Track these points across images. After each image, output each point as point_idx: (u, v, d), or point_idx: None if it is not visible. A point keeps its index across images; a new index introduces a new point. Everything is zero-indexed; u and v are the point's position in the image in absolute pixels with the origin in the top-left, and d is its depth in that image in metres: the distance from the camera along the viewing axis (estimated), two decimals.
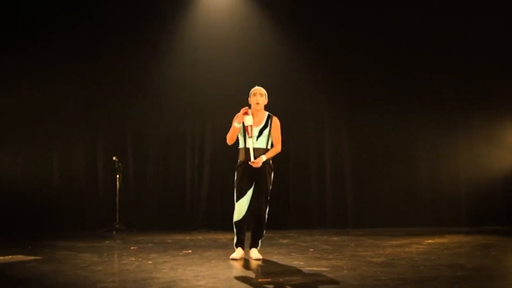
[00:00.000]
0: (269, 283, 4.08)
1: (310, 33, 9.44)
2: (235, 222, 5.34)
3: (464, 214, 9.01)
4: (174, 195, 9.28)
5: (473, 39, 9.02)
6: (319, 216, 9.19)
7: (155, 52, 9.38)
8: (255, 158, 5.17)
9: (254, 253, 5.33)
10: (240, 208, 5.27)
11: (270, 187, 5.35)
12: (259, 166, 5.17)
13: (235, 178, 5.34)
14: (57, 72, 9.22)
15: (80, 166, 9.19)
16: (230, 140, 5.36)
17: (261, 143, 5.29)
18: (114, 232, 8.50)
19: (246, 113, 5.23)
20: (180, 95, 9.33)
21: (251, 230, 5.40)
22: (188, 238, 7.60)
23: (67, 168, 9.17)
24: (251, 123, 5.22)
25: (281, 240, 7.05)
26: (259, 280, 4.24)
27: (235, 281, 4.18)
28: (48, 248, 6.31)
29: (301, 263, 5.01)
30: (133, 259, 5.32)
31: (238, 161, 5.34)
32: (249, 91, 5.47)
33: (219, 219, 8.94)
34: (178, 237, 7.72)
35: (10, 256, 5.59)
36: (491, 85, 9.19)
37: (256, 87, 5.43)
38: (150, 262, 5.13)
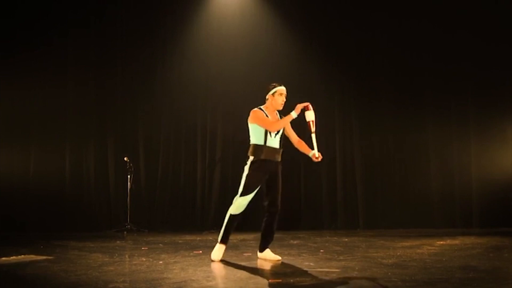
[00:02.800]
0: (279, 284, 4.07)
1: (322, 34, 9.48)
2: (232, 214, 5.27)
3: (476, 216, 8.94)
4: (185, 196, 9.30)
5: (486, 43, 8.99)
6: (330, 217, 9.17)
7: (167, 52, 9.43)
8: (317, 154, 5.20)
9: (271, 254, 5.30)
10: (243, 203, 5.21)
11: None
12: (319, 161, 5.23)
13: (247, 173, 5.20)
14: (69, 71, 9.30)
15: (91, 166, 9.23)
16: (275, 128, 5.21)
17: (277, 143, 5.24)
18: (125, 232, 8.52)
19: (307, 109, 5.16)
20: (191, 95, 9.36)
21: (265, 230, 5.29)
22: (198, 238, 7.61)
23: (79, 168, 9.22)
24: (313, 119, 5.18)
25: (291, 241, 7.04)
26: (270, 280, 4.23)
27: (246, 281, 4.17)
28: (60, 248, 6.35)
29: (311, 264, 5.00)
30: (144, 260, 5.33)
31: (252, 158, 5.20)
32: (271, 87, 5.30)
33: None
34: (189, 237, 7.73)
35: (22, 256, 5.63)
36: (503, 88, 9.14)
37: (283, 87, 5.32)
38: (161, 262, 5.14)
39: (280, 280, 4.19)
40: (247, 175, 5.21)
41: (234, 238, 7.53)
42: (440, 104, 9.27)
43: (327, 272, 4.51)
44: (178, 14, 9.45)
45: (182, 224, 9.08)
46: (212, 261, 5.23)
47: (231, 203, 9.27)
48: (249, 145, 5.29)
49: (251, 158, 5.22)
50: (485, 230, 8.35)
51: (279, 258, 5.26)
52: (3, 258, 5.45)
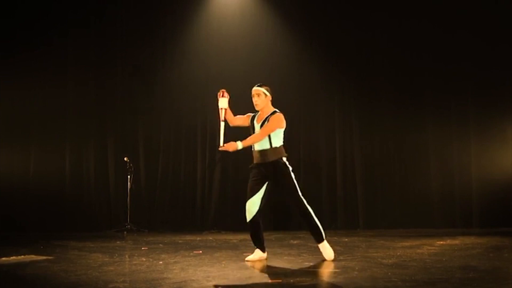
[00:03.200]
0: (279, 284, 4.07)
1: (322, 34, 9.49)
2: (247, 221, 5.25)
3: (476, 216, 8.94)
4: (185, 196, 9.31)
5: (486, 43, 8.99)
6: (330, 217, 9.17)
7: (167, 52, 9.44)
8: (223, 145, 5.14)
9: (323, 250, 5.23)
10: (249, 208, 5.19)
11: (295, 183, 5.19)
12: (229, 151, 5.18)
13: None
14: (69, 71, 9.31)
15: (91, 166, 9.24)
16: (230, 122, 5.37)
17: (259, 145, 5.20)
18: (125, 232, 8.53)
19: (222, 95, 5.15)
20: (191, 95, 9.37)
21: (309, 229, 5.30)
22: (198, 238, 7.61)
23: (79, 168, 9.22)
24: (225, 107, 5.20)
25: (291, 241, 7.04)
26: (270, 281, 4.23)
27: (246, 282, 4.17)
28: (60, 248, 6.35)
29: (311, 264, 5.00)
30: (144, 260, 5.33)
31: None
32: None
33: (230, 219, 8.95)
34: (189, 237, 7.73)
35: (22, 256, 5.63)
36: (503, 88, 9.14)
37: (253, 88, 5.35)
38: (160, 262, 5.14)
39: (280, 280, 4.19)
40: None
41: (234, 238, 7.54)
42: (440, 104, 9.27)
43: (327, 272, 4.51)
44: (178, 14, 9.46)
45: (182, 224, 9.08)
46: (246, 261, 5.21)
47: (231, 203, 9.30)
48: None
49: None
50: (485, 230, 8.35)
51: (332, 255, 5.21)
52: (3, 258, 5.46)
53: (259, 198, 5.18)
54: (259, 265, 5.00)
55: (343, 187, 9.22)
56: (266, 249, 5.36)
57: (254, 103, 5.32)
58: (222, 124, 5.22)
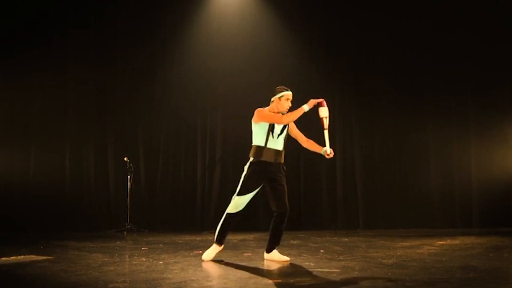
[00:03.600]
0: (279, 283, 4.07)
1: (322, 34, 9.49)
2: (228, 213, 5.24)
3: (476, 216, 8.95)
4: (185, 196, 9.31)
5: (486, 43, 9.00)
6: (330, 217, 9.17)
7: (167, 52, 9.43)
8: (328, 151, 5.22)
9: (278, 255, 5.25)
10: (240, 203, 5.18)
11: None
12: (332, 157, 5.24)
13: (245, 173, 5.19)
14: (69, 71, 9.31)
15: (91, 166, 9.23)
16: (287, 120, 5.19)
17: (279, 144, 5.19)
18: (125, 232, 8.53)
19: (322, 105, 5.12)
20: (191, 95, 9.37)
21: (274, 231, 5.20)
22: (198, 238, 7.61)
23: (79, 168, 9.22)
24: (326, 115, 5.18)
25: (291, 241, 7.04)
26: (270, 280, 4.23)
27: (246, 281, 4.17)
28: (60, 248, 6.35)
29: (311, 264, 5.00)
30: (144, 260, 5.33)
31: (252, 159, 5.18)
32: (278, 90, 5.27)
33: None
34: (189, 237, 7.73)
35: (22, 256, 5.62)
36: (503, 88, 9.15)
37: (290, 92, 5.29)
38: (161, 262, 5.13)
39: (280, 280, 4.19)
40: (245, 175, 5.19)
41: (234, 238, 7.53)
42: (440, 104, 9.28)
43: (327, 272, 4.51)
44: (178, 14, 9.45)
45: (182, 224, 9.08)
46: (202, 260, 5.21)
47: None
48: (251, 146, 5.25)
49: (251, 159, 5.20)
50: (485, 230, 8.35)
51: (287, 258, 5.21)
52: (3, 258, 5.45)
53: (250, 197, 5.21)
54: (259, 265, 5.00)
55: (343, 187, 9.22)
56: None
57: (287, 107, 5.27)
58: (326, 132, 5.22)
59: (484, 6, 9.04)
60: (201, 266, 4.91)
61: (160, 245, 6.71)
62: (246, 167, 5.23)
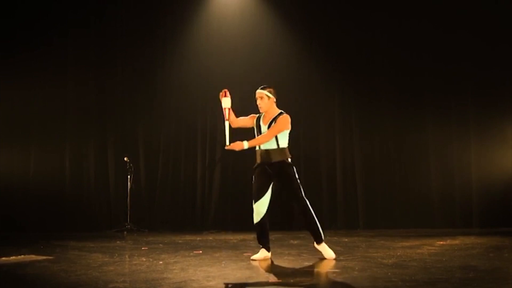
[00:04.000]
0: (279, 284, 4.07)
1: (322, 34, 9.48)
2: (254, 224, 5.28)
3: (476, 216, 8.94)
4: (185, 196, 9.31)
5: (486, 43, 9.00)
6: (330, 217, 9.17)
7: (167, 52, 9.43)
8: (230, 144, 5.18)
9: (323, 250, 5.27)
10: (258, 209, 5.21)
11: (299, 183, 5.27)
12: (235, 150, 5.22)
13: (253, 180, 5.31)
14: (69, 71, 9.31)
15: (91, 166, 9.24)
16: (232, 124, 5.39)
17: (266, 144, 5.25)
18: (125, 232, 8.53)
19: (224, 95, 5.18)
20: (191, 95, 9.37)
21: (306, 226, 5.32)
22: (198, 238, 7.61)
23: (79, 168, 9.23)
24: (228, 106, 5.27)
25: (291, 241, 7.04)
26: (270, 280, 4.23)
27: (246, 282, 4.17)
28: (60, 248, 6.35)
29: (311, 264, 5.00)
30: (144, 260, 5.33)
31: (255, 164, 5.33)
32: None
33: (230, 219, 8.96)
34: (189, 237, 7.73)
35: (22, 256, 5.63)
36: (503, 88, 9.14)
37: (257, 91, 5.42)
38: (161, 262, 5.14)
39: (280, 280, 4.19)
40: (253, 182, 5.30)
41: (234, 238, 7.55)
42: (440, 104, 9.27)
43: (327, 272, 4.51)
44: (178, 14, 9.45)
45: (182, 224, 9.08)
46: (253, 260, 5.22)
47: (231, 203, 9.29)
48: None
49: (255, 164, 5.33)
50: (485, 230, 8.35)
51: (333, 256, 5.23)
52: (3, 258, 5.46)
53: (267, 199, 5.23)
54: (259, 265, 5.00)
55: (343, 187, 9.21)
56: (260, 248, 5.37)
57: (258, 105, 5.38)
58: (227, 123, 5.29)
59: (484, 6, 9.03)
60: (201, 266, 4.91)
61: (160, 245, 6.71)
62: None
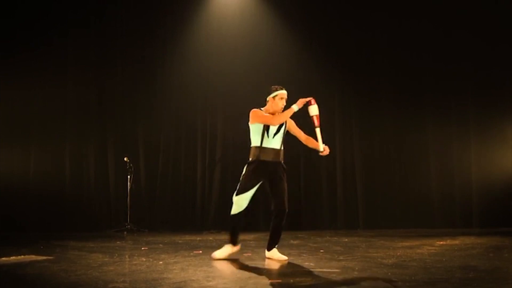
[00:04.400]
0: (279, 283, 4.07)
1: (322, 34, 9.49)
2: (232, 215, 5.29)
3: (476, 216, 8.94)
4: (185, 196, 9.31)
5: (486, 43, 9.00)
6: (330, 217, 9.17)
7: (167, 52, 9.43)
8: (321, 148, 5.24)
9: (277, 254, 5.28)
10: (239, 203, 5.23)
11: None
12: (327, 154, 5.29)
13: (243, 173, 5.26)
14: (69, 71, 9.31)
15: (91, 166, 9.24)
16: (277, 122, 5.20)
17: (275, 143, 5.24)
18: (125, 232, 8.52)
19: (311, 103, 5.16)
20: (191, 95, 9.37)
21: (273, 230, 5.26)
22: (198, 238, 7.61)
23: (79, 168, 9.22)
24: (316, 113, 5.21)
25: (291, 241, 7.04)
26: (270, 280, 4.23)
27: (246, 281, 4.17)
28: (60, 248, 6.35)
29: (311, 264, 4.99)
30: (144, 260, 5.33)
31: (250, 159, 5.26)
32: (272, 90, 5.32)
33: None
34: (189, 237, 7.73)
35: (22, 256, 5.62)
36: (503, 88, 9.15)
37: (285, 91, 5.33)
38: (160, 262, 5.13)
39: (280, 280, 4.19)
40: (243, 175, 5.27)
41: None
42: (440, 104, 9.28)
43: (327, 272, 4.51)
44: (178, 14, 9.46)
45: (182, 224, 9.08)
46: (212, 258, 5.24)
47: (231, 203, 9.27)
48: (250, 147, 5.31)
49: (249, 159, 5.27)
50: (485, 230, 8.35)
51: (286, 258, 5.23)
52: (3, 258, 5.45)
53: (250, 195, 5.24)
54: (259, 265, 5.00)
55: (343, 187, 9.22)
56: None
57: (282, 106, 5.31)
58: (318, 130, 5.25)
59: (484, 6, 9.04)
60: (201, 266, 4.90)
61: (160, 245, 6.71)
62: (245, 168, 5.28)
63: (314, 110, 5.19)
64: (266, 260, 5.24)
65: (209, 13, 9.46)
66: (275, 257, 5.25)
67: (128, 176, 8.83)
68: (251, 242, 6.92)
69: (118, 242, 7.28)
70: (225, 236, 7.90)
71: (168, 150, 9.37)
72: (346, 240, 7.26)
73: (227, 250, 5.34)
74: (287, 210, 5.18)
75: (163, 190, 9.28)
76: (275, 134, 5.23)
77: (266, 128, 5.21)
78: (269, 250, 5.31)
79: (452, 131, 9.22)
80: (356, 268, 4.64)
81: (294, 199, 9.05)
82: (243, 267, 4.91)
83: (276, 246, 5.30)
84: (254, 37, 9.40)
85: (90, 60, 9.35)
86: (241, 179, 5.28)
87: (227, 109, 9.23)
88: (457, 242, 6.81)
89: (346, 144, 9.33)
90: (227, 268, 4.79)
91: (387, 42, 9.30)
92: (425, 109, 9.30)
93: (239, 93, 9.04)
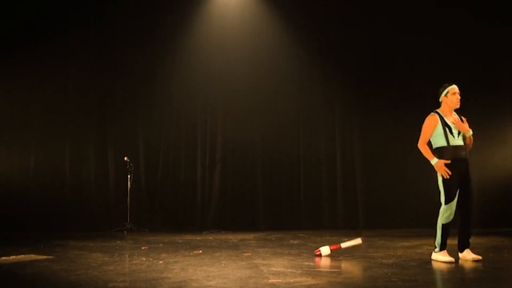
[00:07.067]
0: (279, 283, 4.07)
1: (322, 34, 9.48)
2: (443, 224, 5.26)
3: (476, 216, 8.92)
4: (185, 196, 9.30)
5: (486, 43, 9.00)
6: (330, 217, 9.17)
7: (167, 52, 9.43)
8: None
9: (471, 254, 5.26)
10: (450, 212, 5.19)
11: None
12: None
13: (441, 179, 5.23)
14: (69, 71, 9.31)
15: (91, 166, 9.23)
16: (420, 148, 5.40)
17: (460, 141, 5.33)
18: (125, 232, 8.52)
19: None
20: (191, 95, 9.37)
21: (462, 232, 5.32)
22: (198, 238, 7.61)
23: (79, 168, 9.22)
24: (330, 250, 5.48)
25: (292, 241, 7.04)
26: (270, 280, 4.23)
27: (246, 281, 4.17)
28: (60, 248, 6.35)
29: (311, 264, 5.00)
30: (144, 259, 5.33)
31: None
32: (442, 89, 5.45)
33: (230, 219, 8.96)
34: (189, 237, 7.73)
35: (22, 255, 5.63)
36: (503, 88, 9.14)
37: (454, 86, 5.34)
38: (160, 262, 5.14)
39: (280, 280, 4.19)
40: (443, 181, 5.22)
41: (234, 238, 7.54)
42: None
43: (327, 272, 4.51)
44: (178, 14, 9.45)
45: (182, 224, 9.08)
46: (433, 260, 5.20)
47: (231, 203, 9.22)
48: (432, 149, 5.31)
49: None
50: (485, 230, 8.35)
51: (479, 257, 5.19)
52: (3, 258, 5.46)
53: (456, 200, 5.25)
54: (259, 265, 5.00)
55: (343, 187, 9.22)
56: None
57: (457, 100, 5.38)
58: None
59: (484, 6, 9.03)
60: (201, 266, 4.91)
61: (160, 244, 6.71)
62: (439, 174, 5.23)
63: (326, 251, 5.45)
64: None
65: (209, 13, 9.46)
66: (468, 258, 5.21)
67: (128, 176, 8.83)
68: (251, 242, 6.92)
69: (118, 241, 7.28)
70: (225, 236, 7.93)
71: (168, 150, 9.37)
72: (346, 240, 7.24)
73: (445, 254, 5.25)
74: (473, 209, 5.32)
75: (163, 190, 9.27)
76: (458, 134, 5.37)
77: (448, 128, 5.31)
78: (461, 251, 5.29)
79: None
80: (356, 268, 4.64)
81: (294, 199, 9.13)
82: (243, 267, 4.91)
83: (468, 246, 5.30)
84: (254, 37, 9.39)
85: (90, 60, 9.35)
86: (441, 186, 5.25)
87: (227, 109, 9.22)
88: (457, 242, 6.78)
89: (346, 144, 9.33)
90: (226, 268, 4.79)
91: (387, 42, 9.28)
92: (425, 109, 9.26)
93: (239, 93, 9.04)
